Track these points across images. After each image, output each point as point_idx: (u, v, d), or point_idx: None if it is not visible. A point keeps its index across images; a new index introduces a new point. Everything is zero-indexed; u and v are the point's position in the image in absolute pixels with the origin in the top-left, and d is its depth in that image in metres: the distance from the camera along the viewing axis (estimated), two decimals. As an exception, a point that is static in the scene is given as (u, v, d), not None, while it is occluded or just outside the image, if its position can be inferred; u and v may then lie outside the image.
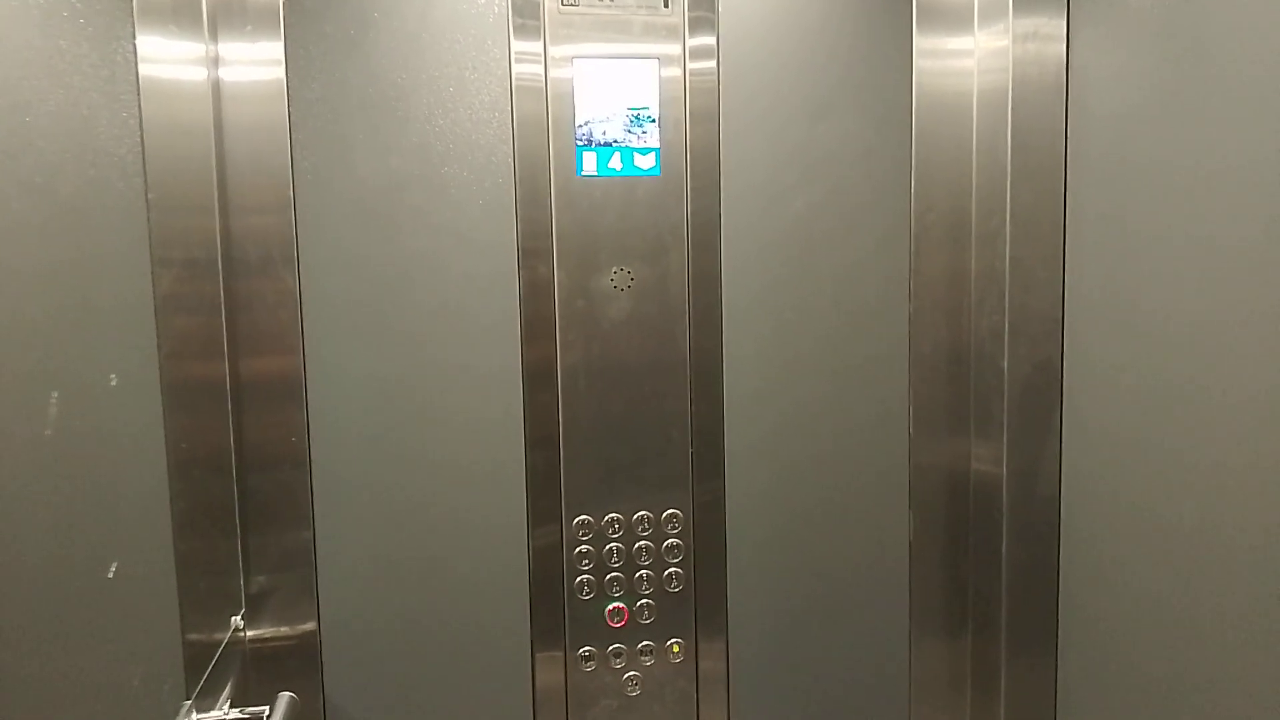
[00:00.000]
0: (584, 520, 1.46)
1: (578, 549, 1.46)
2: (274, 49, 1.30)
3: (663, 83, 1.40)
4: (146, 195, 1.02)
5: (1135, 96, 1.20)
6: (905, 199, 1.47)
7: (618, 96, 1.39)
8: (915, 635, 1.54)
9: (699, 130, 1.42)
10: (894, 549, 1.53)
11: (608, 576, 1.47)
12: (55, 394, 0.78)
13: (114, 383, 0.91)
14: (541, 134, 1.38)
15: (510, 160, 1.38)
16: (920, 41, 1.44)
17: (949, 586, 1.53)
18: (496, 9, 1.36)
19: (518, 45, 1.37)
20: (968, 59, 1.43)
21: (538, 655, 1.47)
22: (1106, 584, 1.30)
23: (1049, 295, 1.37)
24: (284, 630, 1.38)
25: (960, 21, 1.43)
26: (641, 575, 1.48)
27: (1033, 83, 1.35)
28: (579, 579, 1.47)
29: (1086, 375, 1.33)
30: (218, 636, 1.22)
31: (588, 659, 1.48)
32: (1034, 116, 1.35)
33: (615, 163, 1.40)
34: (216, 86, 1.28)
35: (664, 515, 1.47)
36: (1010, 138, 1.36)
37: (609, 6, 1.38)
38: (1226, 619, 1.07)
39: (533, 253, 1.40)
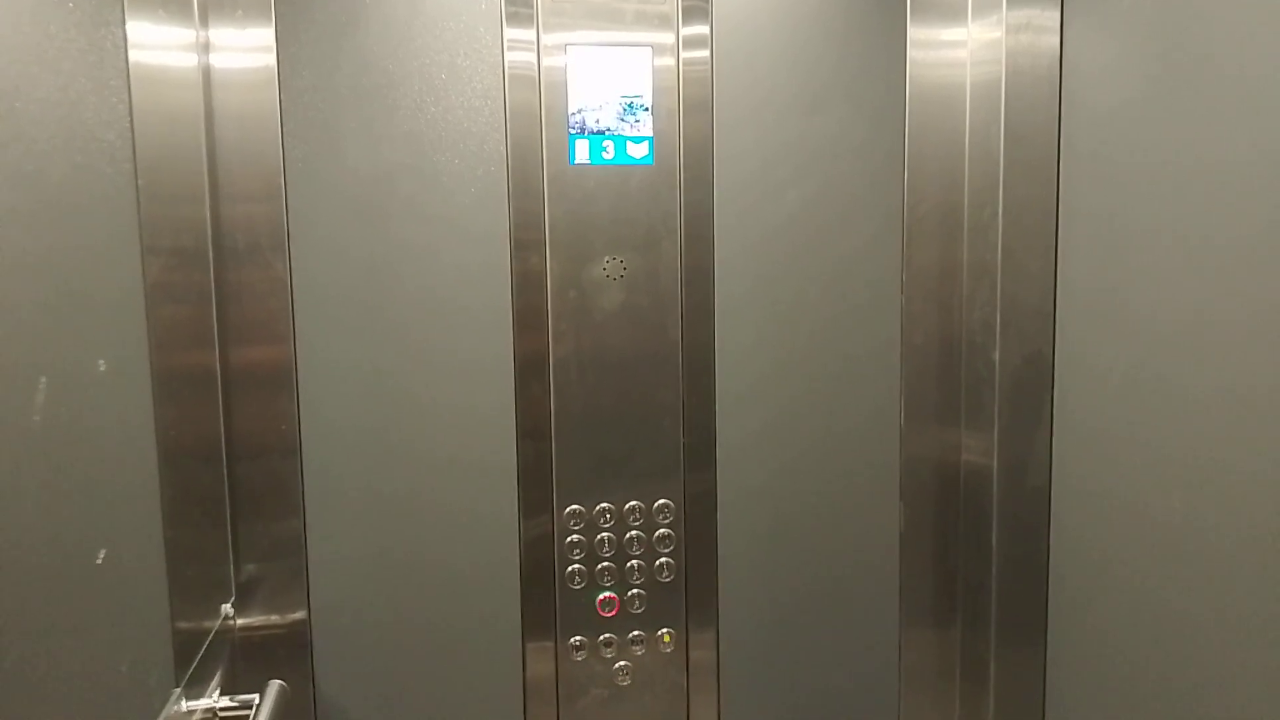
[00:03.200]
0: (575, 510, 1.46)
1: (569, 539, 1.46)
2: (265, 35, 1.30)
3: (656, 71, 1.40)
4: (136, 182, 1.02)
5: (1129, 89, 1.20)
6: (898, 191, 1.46)
7: (611, 85, 1.39)
8: (905, 626, 1.55)
9: (692, 119, 1.41)
10: (884, 540, 1.53)
11: (599, 566, 1.47)
12: (44, 381, 0.78)
13: (103, 370, 0.91)
14: (534, 122, 1.38)
15: (502, 149, 1.38)
16: (914, 32, 1.44)
17: (939, 577, 1.53)
18: (489, -4, 1.36)
19: (510, 32, 1.36)
20: (961, 50, 1.43)
21: (528, 645, 1.47)
22: (1095, 575, 1.31)
23: (1041, 288, 1.37)
24: (274, 618, 1.38)
25: (954, 12, 1.43)
26: (633, 565, 1.48)
27: (1026, 74, 1.35)
28: (570, 569, 1.47)
29: (1077, 368, 1.33)
30: (207, 624, 1.22)
31: (578, 649, 1.48)
32: (1027, 109, 1.35)
33: (608, 151, 1.40)
34: (207, 73, 1.27)
35: (655, 505, 1.48)
36: (1003, 130, 1.36)
37: (602, -5, 1.38)
38: (1214, 611, 1.07)
39: (525, 242, 1.40)
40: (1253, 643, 1.02)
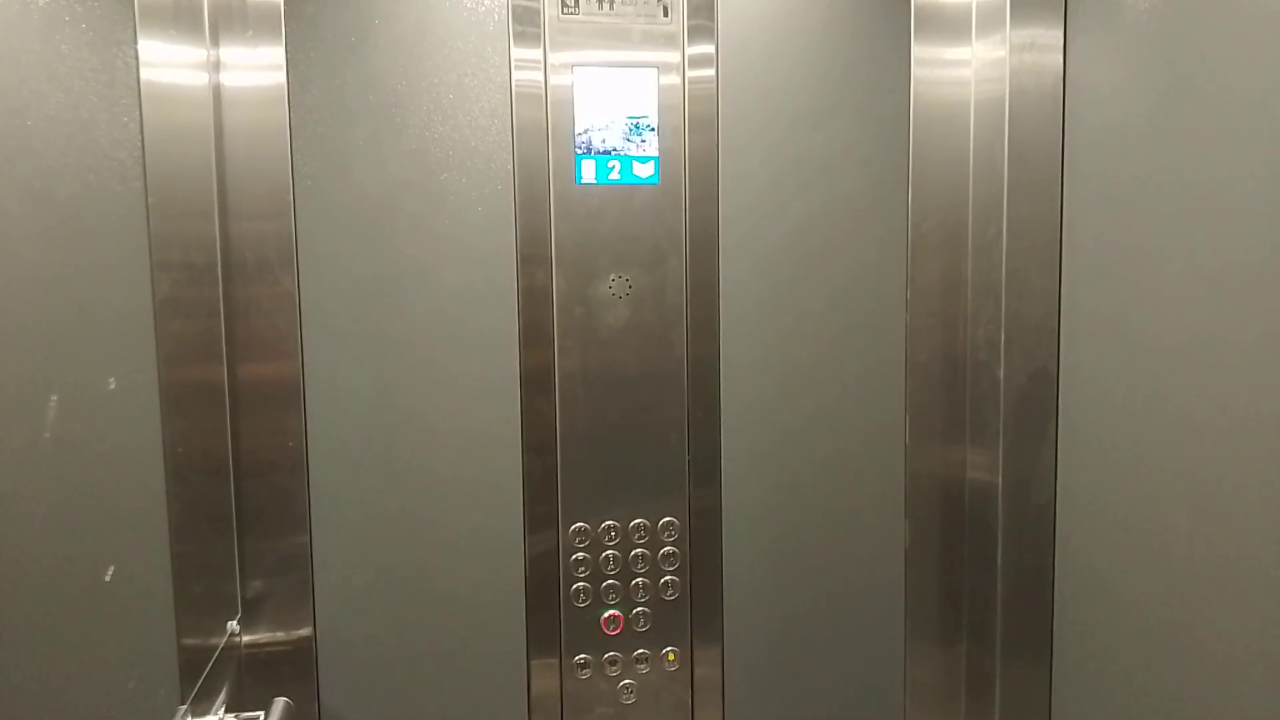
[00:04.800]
0: (580, 527, 1.46)
1: (574, 556, 1.46)
2: (275, 54, 1.31)
3: (662, 91, 1.41)
4: (146, 200, 1.02)
5: (1132, 107, 1.20)
6: (902, 208, 1.47)
7: (617, 105, 1.40)
8: (910, 643, 1.54)
9: (697, 139, 1.42)
10: (890, 556, 1.53)
11: (604, 584, 1.47)
12: (54, 397, 0.78)
13: (112, 386, 0.91)
14: (541, 141, 1.39)
15: (509, 167, 1.38)
16: (918, 51, 1.45)
17: (944, 594, 1.53)
18: (496, 16, 1.37)
19: (517, 52, 1.37)
20: (965, 69, 1.44)
21: (533, 662, 1.47)
22: (1100, 592, 1.30)
23: (1045, 305, 1.38)
24: (280, 635, 1.37)
25: (958, 31, 1.44)
26: (638, 583, 1.48)
27: (1030, 93, 1.36)
28: (575, 586, 1.46)
29: (1082, 384, 1.33)
30: (213, 641, 1.22)
31: (583, 667, 1.48)
32: (1031, 127, 1.36)
33: (614, 171, 1.41)
34: (217, 91, 1.28)
35: (660, 523, 1.47)
36: (1007, 148, 1.36)
37: (609, 14, 1.39)
38: (1219, 628, 1.07)
39: (531, 260, 1.40)
40: (1258, 659, 1.01)
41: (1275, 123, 0.97)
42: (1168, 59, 1.14)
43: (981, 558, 1.47)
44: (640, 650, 1.49)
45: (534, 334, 1.41)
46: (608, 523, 1.46)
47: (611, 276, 1.42)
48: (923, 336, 1.49)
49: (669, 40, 1.40)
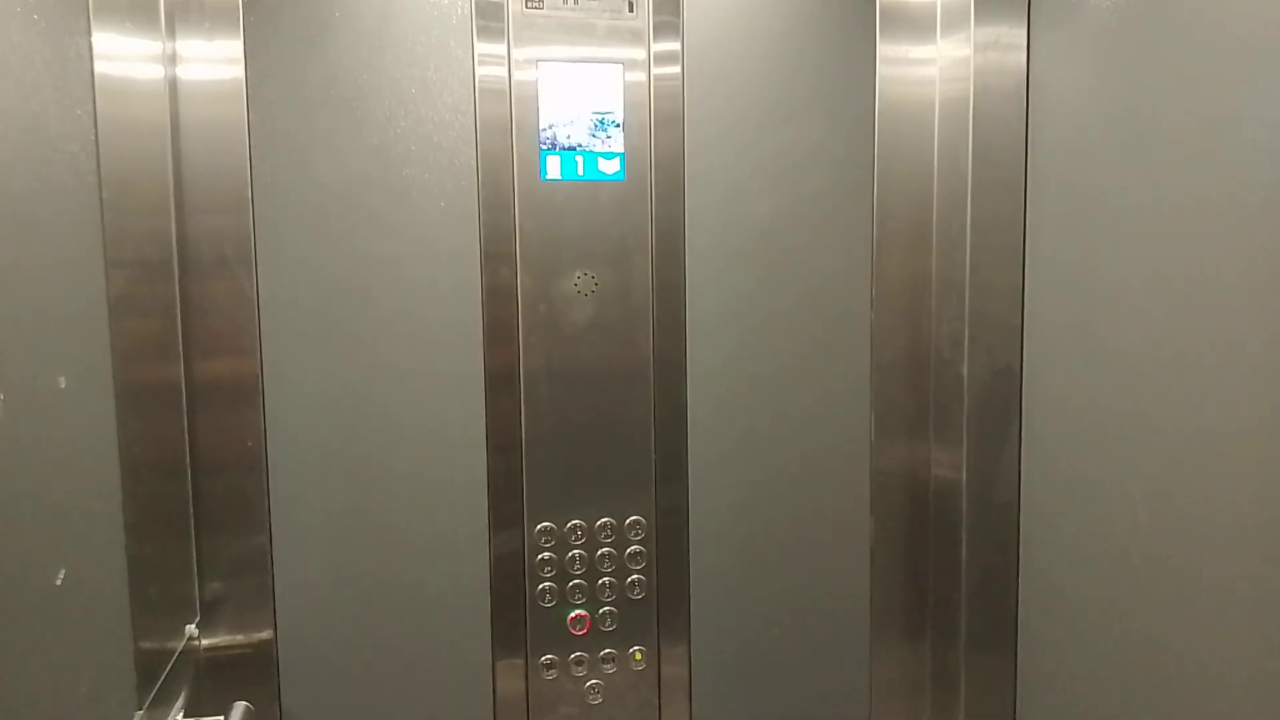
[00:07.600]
0: (546, 527, 1.45)
1: (540, 556, 1.45)
2: (233, 47, 1.28)
3: (627, 87, 1.40)
4: (100, 195, 1.00)
5: (1095, 106, 1.21)
6: (868, 207, 1.47)
7: (582, 100, 1.39)
8: (876, 639, 1.55)
9: (663, 135, 1.42)
10: (855, 554, 1.54)
11: (570, 584, 1.46)
12: (2, 397, 0.76)
13: (63, 385, 0.89)
14: (505, 137, 1.38)
15: (473, 163, 1.37)
16: (883, 50, 1.45)
17: (910, 590, 1.54)
18: (459, 10, 1.35)
19: (481, 47, 1.36)
20: (930, 68, 1.44)
21: (498, 663, 1.45)
22: (1065, 588, 1.31)
23: (1008, 303, 1.38)
24: (240, 638, 1.35)
25: (923, 30, 1.44)
26: (604, 582, 1.47)
27: (994, 92, 1.36)
28: (541, 586, 1.46)
29: (1044, 382, 1.34)
30: (171, 645, 1.20)
31: (549, 667, 1.47)
32: (995, 125, 1.37)
33: (579, 167, 1.40)
34: (173, 85, 1.25)
35: (627, 522, 1.47)
36: (971, 146, 1.37)
37: (574, 9, 1.38)
38: (1180, 622, 1.08)
39: (495, 257, 1.39)
40: (1221, 655, 1.02)
41: (1237, 120, 0.98)
42: (1130, 58, 1.15)
43: (946, 554, 1.48)
44: (607, 650, 1.49)
45: (498, 331, 1.40)
46: (574, 522, 1.45)
47: (577, 274, 1.42)
48: (888, 335, 1.49)
49: (634, 36, 1.40)
